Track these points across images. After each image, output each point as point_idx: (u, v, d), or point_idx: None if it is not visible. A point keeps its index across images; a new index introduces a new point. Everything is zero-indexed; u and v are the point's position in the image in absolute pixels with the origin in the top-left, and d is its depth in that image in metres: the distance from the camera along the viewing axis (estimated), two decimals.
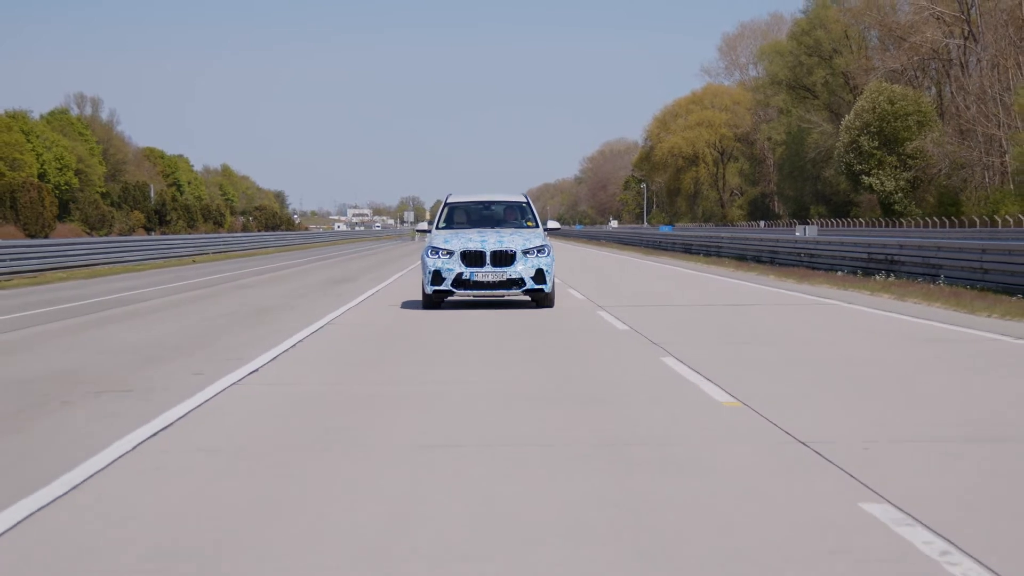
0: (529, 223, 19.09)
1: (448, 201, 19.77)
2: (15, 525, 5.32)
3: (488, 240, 17.80)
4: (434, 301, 17.99)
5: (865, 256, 25.64)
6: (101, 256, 39.85)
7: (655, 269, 34.31)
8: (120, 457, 6.82)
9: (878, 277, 23.31)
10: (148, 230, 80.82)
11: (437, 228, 18.84)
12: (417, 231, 19.87)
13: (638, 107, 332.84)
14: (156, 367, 11.18)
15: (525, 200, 19.79)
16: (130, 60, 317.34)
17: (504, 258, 17.61)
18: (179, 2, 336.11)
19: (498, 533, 5.06)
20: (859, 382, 9.60)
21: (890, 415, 7.97)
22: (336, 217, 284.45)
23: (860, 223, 78.68)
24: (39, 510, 5.60)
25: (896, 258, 23.87)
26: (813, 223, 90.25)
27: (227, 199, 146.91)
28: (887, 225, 73.60)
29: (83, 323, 16.73)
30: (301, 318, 16.66)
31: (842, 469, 6.22)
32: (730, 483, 5.97)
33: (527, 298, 18.64)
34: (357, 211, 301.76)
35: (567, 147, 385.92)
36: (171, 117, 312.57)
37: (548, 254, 17.82)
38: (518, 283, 17.60)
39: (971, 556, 4.62)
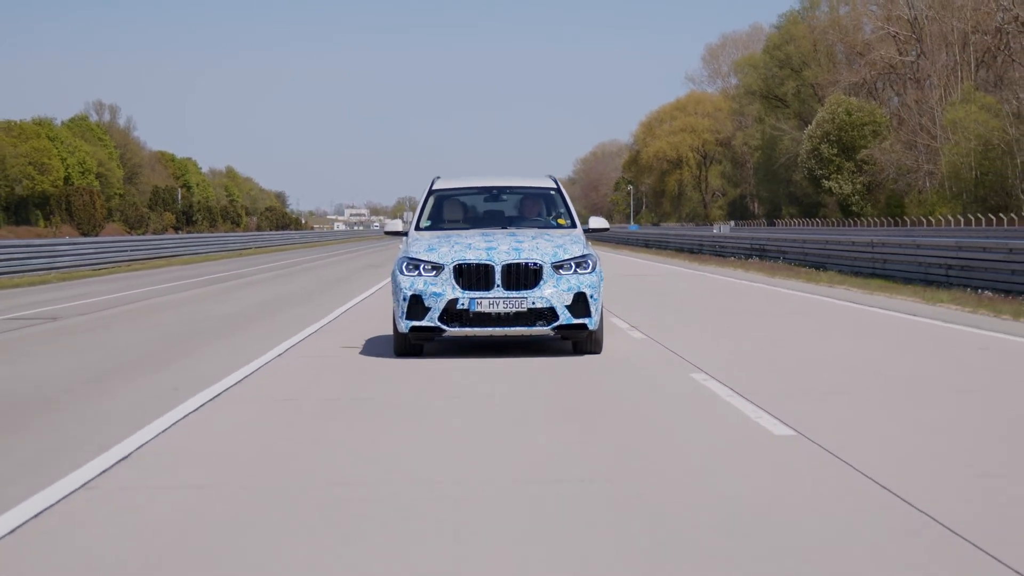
0: (561, 221, 13.65)
1: (434, 188, 14.07)
2: (306, 337, 16.66)
3: (498, 247, 12.08)
4: (411, 345, 12.26)
5: (749, 246, 37.35)
6: (181, 249, 52.13)
7: (608, 257, 45.81)
8: (336, 317, 18.11)
9: (751, 259, 34.94)
10: (177, 229, 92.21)
11: (417, 229, 13.39)
12: (387, 233, 13.97)
13: (632, 109, 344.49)
14: (311, 299, 22.57)
15: (554, 186, 14.28)
16: (131, 62, 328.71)
17: (524, 276, 11.90)
18: (175, 5, 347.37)
19: None
20: (662, 299, 21.06)
21: (658, 309, 19.34)
22: (334, 217, 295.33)
23: (817, 222, 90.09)
24: (311, 334, 16.97)
25: (765, 247, 35.52)
26: (782, 223, 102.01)
27: (232, 200, 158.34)
28: (842, 224, 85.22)
29: (237, 284, 28.24)
30: (364, 285, 27.90)
31: (616, 315, 17.52)
32: None
33: (555, 335, 12.09)
34: (354, 211, 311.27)
35: (561, 148, 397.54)
36: (172, 119, 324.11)
37: (593, 269, 12.19)
38: (546, 316, 11.91)
39: (643, 333, 15.94)
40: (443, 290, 11.79)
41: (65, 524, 5.43)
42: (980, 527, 5.15)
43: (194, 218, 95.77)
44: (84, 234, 73.71)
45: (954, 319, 15.55)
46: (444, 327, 11.78)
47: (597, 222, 13.97)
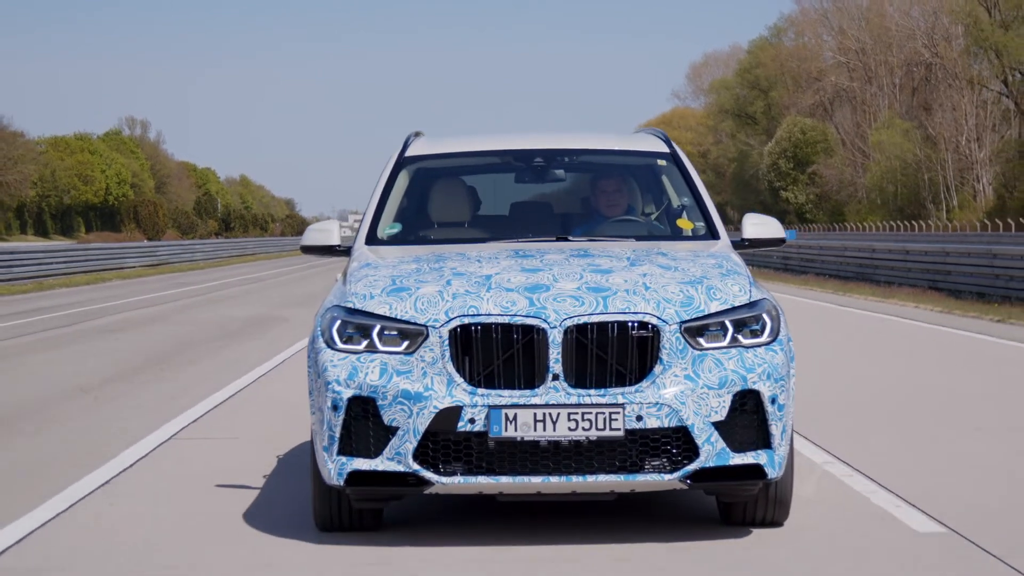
0: (685, 222, 6.64)
1: (408, 154, 7.11)
2: None
3: (554, 284, 5.36)
4: (351, 512, 5.58)
5: None
6: (258, 250, 70.51)
7: None
8: None
9: None
10: (217, 234, 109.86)
11: (371, 242, 6.69)
12: (305, 248, 6.94)
13: (629, 115, 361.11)
14: None
15: (665, 148, 6.98)
16: (134, 66, 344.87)
17: (614, 352, 5.17)
18: (173, 10, 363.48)
19: None
20: None
21: None
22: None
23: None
24: None
25: None
26: None
27: (247, 207, 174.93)
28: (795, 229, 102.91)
29: (321, 271, 45.52)
30: None
31: None
32: None
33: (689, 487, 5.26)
34: (357, 216, 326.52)
35: None
36: (181, 126, 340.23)
37: (775, 335, 5.42)
38: (668, 447, 5.15)
39: None
40: (425, 386, 5.21)
41: None
42: None
43: (231, 225, 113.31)
44: (149, 239, 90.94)
45: None
46: (429, 474, 5.21)
47: (760, 225, 6.52)
